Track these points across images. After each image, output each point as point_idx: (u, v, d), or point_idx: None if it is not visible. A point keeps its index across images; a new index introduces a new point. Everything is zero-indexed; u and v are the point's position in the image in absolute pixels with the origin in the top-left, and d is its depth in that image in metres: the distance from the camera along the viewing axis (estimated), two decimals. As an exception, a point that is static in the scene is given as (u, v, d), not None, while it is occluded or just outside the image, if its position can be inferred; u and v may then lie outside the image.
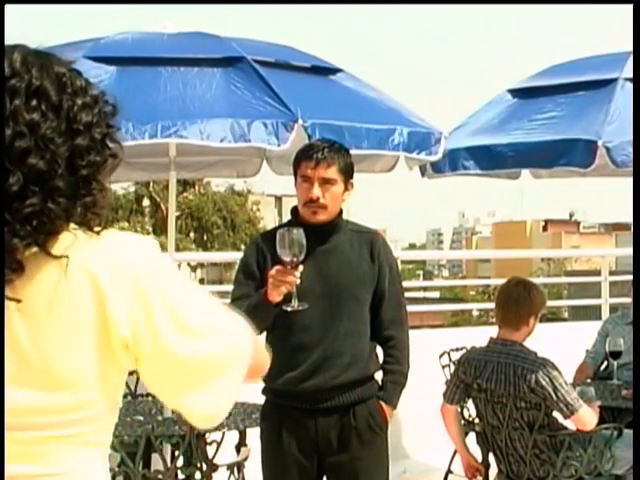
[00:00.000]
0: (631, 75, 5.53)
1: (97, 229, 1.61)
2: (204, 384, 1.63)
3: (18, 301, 1.55)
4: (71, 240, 1.59)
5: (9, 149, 1.53)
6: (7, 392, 1.57)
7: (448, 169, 5.86)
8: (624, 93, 5.47)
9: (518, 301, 4.82)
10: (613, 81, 5.63)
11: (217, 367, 1.64)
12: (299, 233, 3.54)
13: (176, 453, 4.59)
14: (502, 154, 5.69)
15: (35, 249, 1.56)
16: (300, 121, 4.61)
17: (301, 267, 3.57)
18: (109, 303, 1.58)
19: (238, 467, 4.76)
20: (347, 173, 3.93)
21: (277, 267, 3.60)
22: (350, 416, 3.92)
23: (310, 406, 3.90)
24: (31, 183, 1.53)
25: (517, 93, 6.28)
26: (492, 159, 5.77)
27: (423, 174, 6.08)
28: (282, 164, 5.81)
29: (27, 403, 1.58)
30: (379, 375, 4.05)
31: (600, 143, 5.16)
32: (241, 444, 5.12)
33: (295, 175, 3.97)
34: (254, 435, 4.29)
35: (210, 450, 4.67)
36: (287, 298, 3.67)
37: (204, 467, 4.57)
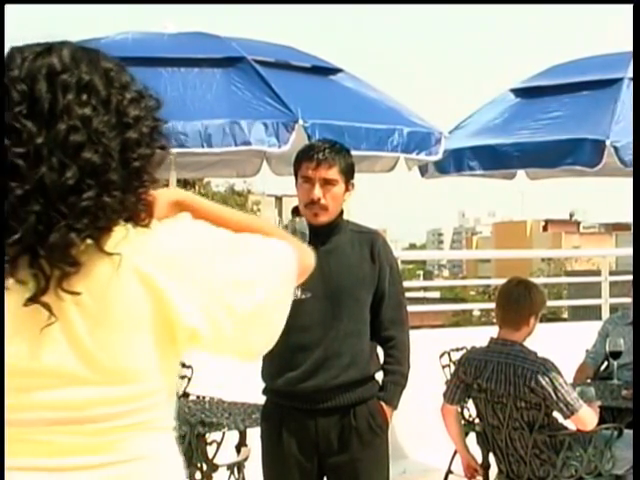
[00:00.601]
0: (636, 75, 5.52)
1: (145, 222, 1.62)
2: (271, 314, 1.69)
3: (77, 294, 1.55)
4: (123, 235, 1.59)
5: (64, 143, 1.54)
6: (69, 387, 1.58)
7: (453, 169, 5.84)
8: (629, 93, 5.45)
9: (518, 301, 4.82)
10: (618, 81, 5.61)
11: (278, 292, 1.70)
12: (302, 222, 3.55)
13: (176, 453, 4.58)
14: (507, 154, 5.67)
15: (89, 242, 1.56)
16: (300, 121, 4.61)
17: None
18: (170, 299, 1.58)
19: (238, 467, 4.76)
20: (348, 173, 3.93)
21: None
22: (350, 416, 3.92)
23: (310, 406, 3.90)
24: (87, 177, 1.54)
25: (520, 93, 6.26)
26: (497, 159, 5.74)
27: (423, 174, 6.06)
28: (282, 164, 5.81)
29: (92, 397, 1.59)
30: (380, 375, 4.04)
31: (608, 143, 5.15)
32: (241, 444, 5.11)
33: (296, 176, 3.96)
34: (254, 435, 4.29)
35: (210, 450, 4.66)
36: None
37: (204, 467, 4.57)
